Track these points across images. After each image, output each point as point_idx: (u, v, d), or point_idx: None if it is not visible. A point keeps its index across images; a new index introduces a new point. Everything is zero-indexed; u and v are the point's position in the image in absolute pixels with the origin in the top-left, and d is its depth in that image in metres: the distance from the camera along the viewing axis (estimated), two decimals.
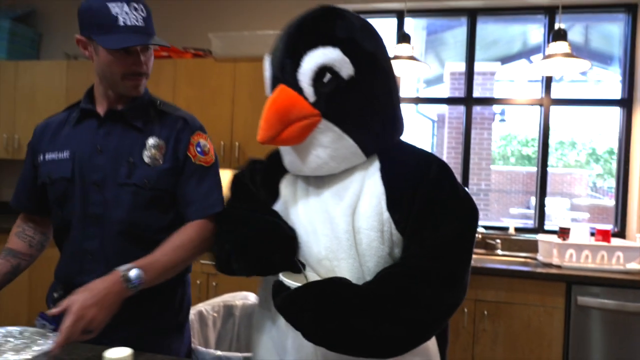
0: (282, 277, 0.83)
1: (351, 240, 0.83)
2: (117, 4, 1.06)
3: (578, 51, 4.65)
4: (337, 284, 0.78)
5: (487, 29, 4.11)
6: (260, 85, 2.99)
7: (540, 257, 2.68)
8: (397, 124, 0.92)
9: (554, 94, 3.10)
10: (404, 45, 2.71)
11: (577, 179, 8.52)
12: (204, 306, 1.25)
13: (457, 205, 0.83)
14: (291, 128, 0.82)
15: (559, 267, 2.45)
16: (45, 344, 0.96)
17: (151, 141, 1.17)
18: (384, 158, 0.88)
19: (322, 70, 0.81)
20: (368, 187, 0.85)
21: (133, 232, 1.15)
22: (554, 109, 3.10)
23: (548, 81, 3.10)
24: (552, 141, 3.13)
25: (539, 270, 2.38)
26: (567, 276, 2.32)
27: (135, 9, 1.08)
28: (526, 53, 5.98)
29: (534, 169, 3.29)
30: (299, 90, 0.83)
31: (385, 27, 3.47)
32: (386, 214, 0.82)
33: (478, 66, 3.28)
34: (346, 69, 0.82)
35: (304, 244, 0.88)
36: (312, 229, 0.87)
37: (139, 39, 1.08)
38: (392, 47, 3.09)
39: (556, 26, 2.84)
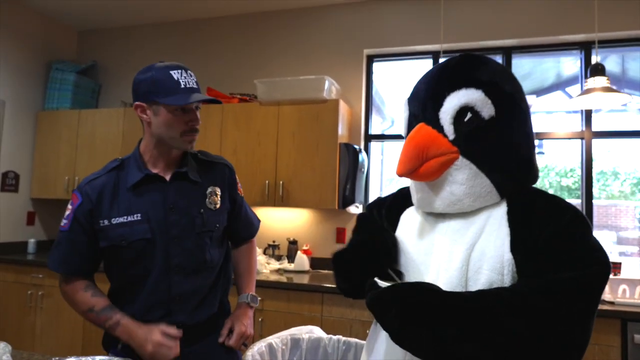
0: (376, 279, 0.85)
1: (463, 279, 0.82)
2: (177, 71, 1.24)
3: (615, 81, 4.63)
4: (425, 288, 0.77)
5: (520, 63, 4.16)
6: (302, 126, 3.14)
7: None
8: (532, 169, 0.90)
9: (595, 125, 3.09)
10: None
11: (622, 210, 8.18)
12: (273, 339, 1.33)
13: (586, 256, 0.77)
14: (429, 163, 0.84)
15: (612, 303, 2.38)
16: None
17: (209, 190, 1.38)
18: (513, 201, 0.86)
19: (464, 110, 0.84)
20: (491, 227, 0.84)
21: (207, 268, 1.35)
22: (595, 141, 3.09)
23: (588, 114, 3.11)
24: (593, 171, 3.10)
25: None
26: (622, 312, 2.26)
27: (190, 75, 1.27)
28: (561, 84, 5.95)
29: (576, 202, 3.24)
30: (439, 128, 0.86)
31: (420, 68, 3.59)
32: (508, 255, 0.80)
33: None
34: (487, 109, 0.84)
35: (415, 273, 0.90)
36: (426, 260, 0.89)
37: (200, 97, 1.25)
38: None
39: (593, 60, 2.88)
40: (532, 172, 0.91)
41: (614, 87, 2.52)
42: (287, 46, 3.66)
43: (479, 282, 0.81)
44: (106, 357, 1.08)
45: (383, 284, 0.82)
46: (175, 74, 1.24)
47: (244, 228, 1.54)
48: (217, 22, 3.87)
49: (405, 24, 3.38)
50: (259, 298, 1.52)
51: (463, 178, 0.86)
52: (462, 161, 0.85)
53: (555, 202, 0.84)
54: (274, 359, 1.32)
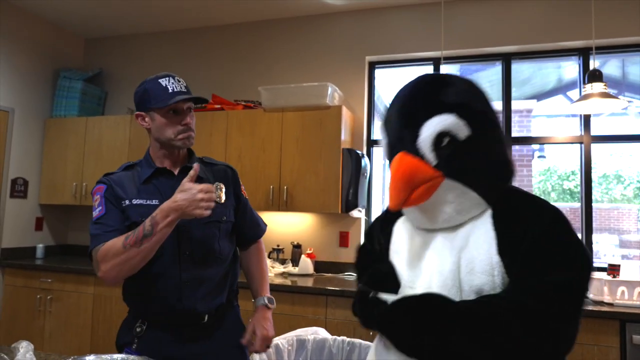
0: (378, 294, 0.90)
1: (456, 280, 0.88)
2: (165, 79, 1.39)
3: (616, 85, 4.66)
4: (436, 298, 0.81)
5: (520, 68, 4.21)
6: (306, 132, 3.20)
7: (590, 295, 2.65)
8: (508, 168, 0.96)
9: (594, 129, 3.14)
10: None
11: (625, 213, 8.20)
12: (279, 340, 1.38)
13: (569, 255, 0.83)
14: (417, 191, 0.88)
15: (610, 304, 2.42)
16: None
17: (215, 185, 1.45)
18: (496, 205, 0.92)
19: (441, 136, 0.88)
20: (479, 231, 0.89)
21: (217, 259, 1.43)
22: (594, 145, 3.13)
23: (587, 118, 3.15)
24: (595, 175, 3.13)
25: (590, 308, 2.36)
26: (620, 314, 2.30)
27: (178, 81, 1.41)
28: (562, 88, 5.98)
29: (577, 205, 3.28)
30: (421, 156, 0.89)
31: (422, 73, 3.65)
32: (496, 258, 0.85)
33: (514, 104, 3.37)
34: (462, 130, 0.88)
35: (408, 278, 0.95)
36: (419, 265, 0.94)
37: (183, 96, 1.37)
38: None
39: (591, 66, 2.93)
40: (510, 171, 0.96)
41: (612, 93, 2.57)
42: (290, 53, 3.72)
43: (473, 283, 0.86)
44: (124, 355, 1.13)
45: (388, 297, 0.87)
46: (163, 82, 1.38)
47: (249, 228, 1.61)
48: (222, 30, 3.95)
49: (407, 31, 3.45)
50: (273, 298, 1.58)
51: (452, 197, 0.90)
52: (447, 182, 0.89)
53: (536, 204, 0.89)
54: (280, 359, 1.37)
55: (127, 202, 1.37)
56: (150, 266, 1.35)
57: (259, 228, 1.65)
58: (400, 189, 0.87)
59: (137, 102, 1.41)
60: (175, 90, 1.37)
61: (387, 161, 0.96)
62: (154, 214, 1.24)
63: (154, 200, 1.38)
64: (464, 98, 0.91)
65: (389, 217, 1.10)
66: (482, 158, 0.91)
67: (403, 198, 0.88)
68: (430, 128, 0.88)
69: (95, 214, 1.36)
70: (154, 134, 1.41)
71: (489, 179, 0.91)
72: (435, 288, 0.88)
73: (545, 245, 0.83)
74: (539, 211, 0.87)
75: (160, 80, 1.38)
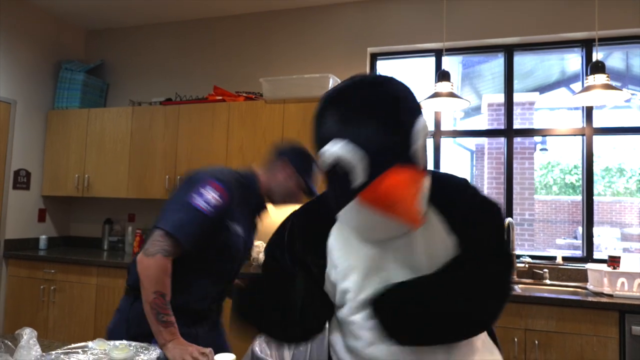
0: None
1: (424, 269, 0.90)
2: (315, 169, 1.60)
3: (619, 77, 4.64)
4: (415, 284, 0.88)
5: (523, 60, 4.19)
6: (307, 124, 3.20)
7: (590, 286, 2.66)
8: None
9: (596, 122, 3.13)
10: (444, 83, 2.85)
11: (627, 207, 8.21)
12: None
13: (489, 207, 0.97)
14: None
15: (610, 296, 2.43)
16: (148, 355, 1.12)
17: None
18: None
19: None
20: (430, 221, 0.92)
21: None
22: (597, 138, 3.13)
23: (589, 110, 3.14)
24: (597, 169, 3.12)
25: (590, 299, 2.38)
26: (620, 305, 2.31)
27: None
28: (565, 81, 5.96)
29: (579, 198, 3.28)
30: (414, 163, 0.82)
31: (423, 64, 3.64)
32: (449, 240, 0.91)
33: (516, 97, 3.37)
34: (428, 128, 0.87)
35: (360, 284, 0.92)
36: (376, 266, 0.91)
37: (311, 195, 1.58)
38: (432, 84, 3.24)
39: (594, 57, 2.92)
40: None
41: (615, 84, 2.56)
42: (292, 45, 3.72)
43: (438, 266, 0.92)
44: (125, 342, 1.15)
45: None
46: (315, 169, 1.60)
47: None
48: (223, 21, 3.94)
49: (409, 23, 3.43)
50: None
51: (426, 191, 0.88)
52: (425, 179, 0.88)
53: (454, 181, 0.99)
54: (280, 348, 1.38)
55: (231, 224, 1.49)
56: (220, 269, 1.53)
57: None
58: (419, 204, 0.80)
59: (297, 159, 1.55)
60: (314, 188, 1.57)
61: (365, 175, 0.81)
62: (176, 326, 1.34)
63: (240, 229, 1.53)
64: (414, 100, 0.89)
65: (312, 228, 1.02)
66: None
67: (422, 213, 0.82)
68: (419, 134, 0.82)
69: (202, 204, 1.37)
70: (281, 182, 1.56)
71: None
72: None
73: (476, 211, 0.94)
74: (460, 187, 0.98)
75: (315, 167, 1.57)
